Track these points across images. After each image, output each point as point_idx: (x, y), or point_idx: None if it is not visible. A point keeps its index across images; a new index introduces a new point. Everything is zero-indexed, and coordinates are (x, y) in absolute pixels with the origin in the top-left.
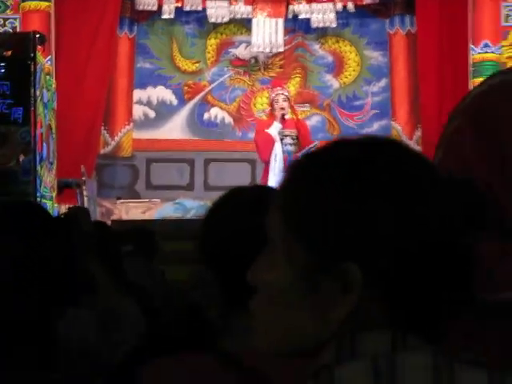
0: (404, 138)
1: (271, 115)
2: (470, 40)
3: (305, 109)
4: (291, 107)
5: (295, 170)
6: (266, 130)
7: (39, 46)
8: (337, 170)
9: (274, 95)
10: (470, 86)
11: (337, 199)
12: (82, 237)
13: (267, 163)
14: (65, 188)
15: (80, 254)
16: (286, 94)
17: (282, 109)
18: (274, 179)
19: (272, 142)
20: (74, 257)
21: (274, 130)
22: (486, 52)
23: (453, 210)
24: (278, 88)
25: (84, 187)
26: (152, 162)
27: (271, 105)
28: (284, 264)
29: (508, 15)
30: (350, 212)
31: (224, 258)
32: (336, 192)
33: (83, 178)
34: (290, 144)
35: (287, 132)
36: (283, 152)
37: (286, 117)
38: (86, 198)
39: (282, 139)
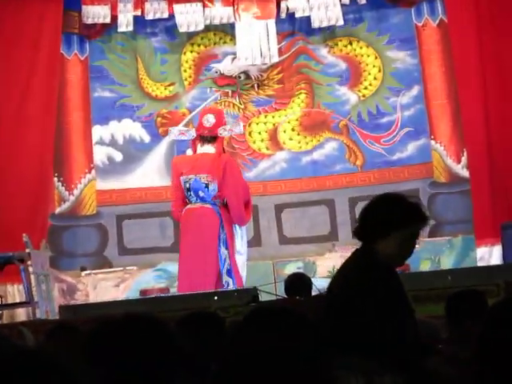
0: (449, 162)
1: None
2: None
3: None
4: None
5: None
6: None
7: None
8: None
9: None
10: None
11: None
12: None
13: None
14: (6, 265)
15: None
16: None
17: None
18: None
19: None
20: None
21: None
22: None
23: None
24: None
25: (29, 262)
26: (123, 218)
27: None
28: None
29: None
30: None
31: None
32: None
33: (27, 250)
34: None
35: None
36: None
37: None
38: (32, 276)
39: None
